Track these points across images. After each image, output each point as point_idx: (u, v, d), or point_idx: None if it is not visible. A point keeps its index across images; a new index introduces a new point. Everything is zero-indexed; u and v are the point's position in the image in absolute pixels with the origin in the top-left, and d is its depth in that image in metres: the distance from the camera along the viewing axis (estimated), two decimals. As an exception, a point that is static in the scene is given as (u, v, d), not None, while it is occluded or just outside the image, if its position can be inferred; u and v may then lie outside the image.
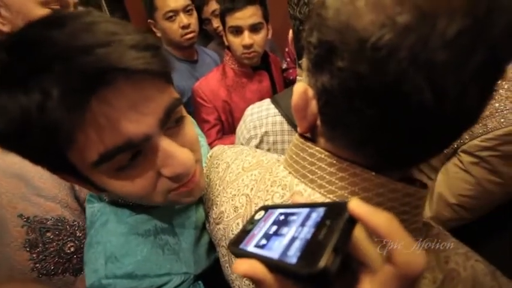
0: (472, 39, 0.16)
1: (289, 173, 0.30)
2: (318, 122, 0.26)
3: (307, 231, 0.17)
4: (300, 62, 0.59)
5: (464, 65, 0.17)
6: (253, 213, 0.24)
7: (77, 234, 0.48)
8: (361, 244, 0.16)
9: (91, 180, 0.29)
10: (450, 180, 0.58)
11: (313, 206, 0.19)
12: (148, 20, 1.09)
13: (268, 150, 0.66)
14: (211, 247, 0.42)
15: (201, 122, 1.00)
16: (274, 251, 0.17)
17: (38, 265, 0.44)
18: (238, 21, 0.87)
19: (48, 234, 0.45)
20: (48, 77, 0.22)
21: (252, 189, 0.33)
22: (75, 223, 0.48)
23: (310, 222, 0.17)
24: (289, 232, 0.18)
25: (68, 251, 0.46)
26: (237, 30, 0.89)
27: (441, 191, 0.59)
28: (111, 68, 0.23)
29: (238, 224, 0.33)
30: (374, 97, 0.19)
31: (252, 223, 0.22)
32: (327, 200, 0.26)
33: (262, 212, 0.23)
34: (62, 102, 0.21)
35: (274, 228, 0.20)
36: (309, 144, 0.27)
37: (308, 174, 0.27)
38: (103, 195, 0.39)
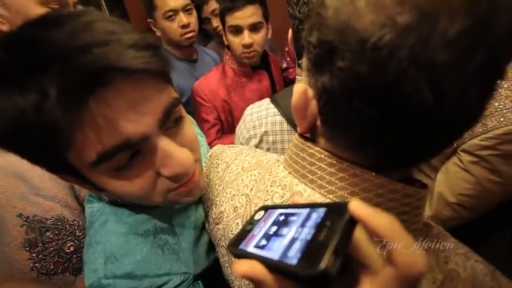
0: (473, 39, 0.16)
1: (289, 173, 0.30)
2: (318, 122, 0.26)
3: (307, 232, 0.17)
4: (299, 61, 0.59)
5: (465, 65, 0.17)
6: (253, 213, 0.23)
7: (77, 234, 0.48)
8: (362, 245, 0.16)
9: (90, 180, 0.29)
10: (450, 180, 0.58)
11: (313, 206, 0.19)
12: (148, 19, 1.09)
13: (268, 149, 0.66)
14: (211, 247, 0.42)
15: (200, 121, 0.99)
16: (274, 251, 0.17)
17: (37, 264, 0.44)
18: (238, 20, 0.86)
19: (48, 233, 0.45)
20: (46, 77, 0.21)
21: (251, 189, 0.33)
22: (74, 222, 0.48)
23: (311, 223, 0.17)
24: (289, 233, 0.18)
25: (68, 251, 0.46)
26: (237, 30, 0.89)
27: (441, 190, 0.59)
28: (110, 68, 0.23)
29: (237, 224, 0.33)
30: (374, 97, 0.19)
31: (251, 223, 0.22)
32: (327, 200, 0.26)
33: (262, 212, 0.23)
34: (59, 102, 0.21)
35: (274, 228, 0.20)
36: (308, 144, 0.27)
37: (308, 175, 0.27)
38: (102, 195, 0.39)
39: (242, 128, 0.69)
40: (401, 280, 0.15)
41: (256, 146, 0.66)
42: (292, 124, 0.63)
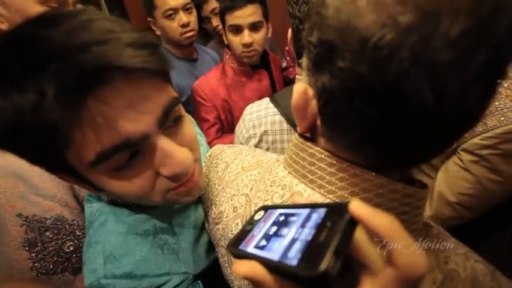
0: (475, 40, 0.16)
1: (289, 173, 0.30)
2: (318, 122, 0.26)
3: (307, 233, 0.17)
4: (300, 61, 0.59)
5: (466, 65, 0.17)
6: (252, 213, 0.23)
7: (76, 233, 0.48)
8: (362, 245, 0.16)
9: (89, 180, 0.29)
10: (450, 179, 0.58)
11: (313, 206, 0.19)
12: (148, 18, 1.09)
13: (268, 149, 0.66)
14: (211, 247, 0.42)
15: (200, 120, 0.99)
16: (274, 252, 0.17)
17: (37, 264, 0.44)
18: (238, 19, 0.86)
19: (47, 233, 0.45)
20: (44, 76, 0.21)
21: (251, 189, 0.33)
22: (74, 222, 0.48)
23: (311, 223, 0.17)
24: (289, 233, 0.18)
25: (67, 250, 0.46)
26: (237, 29, 0.88)
27: (441, 189, 0.59)
28: (108, 66, 0.22)
29: (237, 224, 0.33)
30: (374, 97, 0.19)
31: (251, 223, 0.22)
32: (327, 201, 0.26)
33: (261, 212, 0.23)
34: (57, 102, 0.21)
35: (274, 228, 0.20)
36: (308, 144, 0.27)
37: (308, 175, 0.27)
38: (102, 195, 0.38)
39: (242, 128, 0.69)
40: (401, 281, 0.15)
41: (256, 146, 0.66)
42: (291, 123, 0.63)
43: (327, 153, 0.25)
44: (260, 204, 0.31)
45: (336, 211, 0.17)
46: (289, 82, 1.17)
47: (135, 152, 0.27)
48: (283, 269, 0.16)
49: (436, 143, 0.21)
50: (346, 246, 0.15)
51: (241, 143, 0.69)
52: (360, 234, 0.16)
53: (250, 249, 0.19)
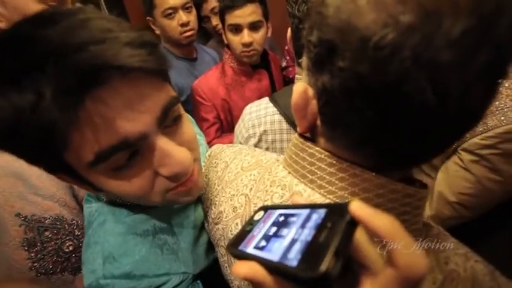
0: (477, 39, 0.16)
1: (289, 173, 0.29)
2: (318, 122, 0.26)
3: (307, 233, 0.17)
4: (299, 60, 0.58)
5: (468, 65, 0.17)
6: (252, 213, 0.23)
7: (76, 233, 0.47)
8: (362, 246, 0.16)
9: (88, 180, 0.29)
10: (450, 179, 0.58)
11: (313, 207, 0.19)
12: (147, 18, 1.08)
13: (267, 149, 0.66)
14: (210, 247, 0.42)
15: (199, 120, 0.99)
16: (274, 253, 0.17)
17: (36, 264, 0.44)
18: (237, 19, 0.86)
19: (47, 233, 0.45)
20: (41, 76, 0.21)
21: (251, 189, 0.33)
22: (73, 222, 0.47)
23: (311, 224, 0.17)
24: (289, 234, 0.18)
25: (67, 250, 0.46)
26: (237, 29, 0.88)
27: (441, 189, 0.59)
28: (106, 66, 0.22)
29: (237, 224, 0.33)
30: (375, 97, 0.19)
31: (251, 224, 0.22)
32: (327, 201, 0.26)
33: (261, 213, 0.23)
34: (55, 103, 0.21)
35: (274, 229, 0.19)
36: (308, 144, 0.27)
37: (308, 175, 0.27)
38: (101, 195, 0.38)
39: (241, 127, 0.69)
40: (402, 281, 0.15)
41: (255, 145, 0.66)
42: (291, 123, 0.63)
43: (326, 153, 0.25)
44: (260, 204, 0.31)
45: (336, 212, 0.17)
46: (289, 82, 1.17)
47: (134, 152, 0.27)
48: (283, 269, 0.16)
49: (436, 143, 0.21)
50: (347, 247, 0.15)
51: (240, 143, 0.69)
52: (360, 235, 0.16)
53: (250, 249, 0.19)
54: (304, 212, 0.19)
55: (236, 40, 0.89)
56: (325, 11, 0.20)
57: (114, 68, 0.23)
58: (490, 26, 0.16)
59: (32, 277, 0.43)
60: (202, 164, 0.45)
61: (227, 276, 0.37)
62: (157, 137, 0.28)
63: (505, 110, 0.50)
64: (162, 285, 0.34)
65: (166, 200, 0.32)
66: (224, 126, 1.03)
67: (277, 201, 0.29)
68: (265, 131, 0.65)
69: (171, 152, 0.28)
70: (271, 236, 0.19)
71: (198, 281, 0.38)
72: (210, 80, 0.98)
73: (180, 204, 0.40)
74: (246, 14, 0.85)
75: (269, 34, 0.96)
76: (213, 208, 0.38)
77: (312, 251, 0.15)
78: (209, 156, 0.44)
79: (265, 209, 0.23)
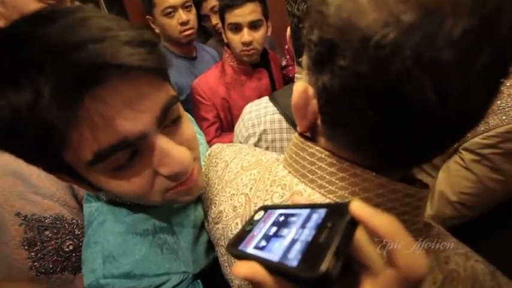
0: (479, 38, 0.16)
1: (289, 172, 0.29)
2: (318, 122, 0.26)
3: (307, 233, 0.17)
4: (299, 59, 0.58)
5: (470, 64, 0.16)
6: (252, 213, 0.23)
7: (76, 233, 0.48)
8: (362, 246, 0.16)
9: (87, 180, 0.29)
10: (451, 178, 0.58)
11: (313, 207, 0.19)
12: (147, 16, 1.08)
13: (267, 148, 0.66)
14: (210, 246, 0.42)
15: (199, 119, 0.99)
16: (274, 253, 0.17)
17: (36, 263, 0.44)
18: (237, 18, 0.86)
19: (47, 232, 0.45)
20: (40, 75, 0.21)
21: (251, 188, 0.33)
22: (73, 221, 0.47)
23: (311, 224, 0.17)
24: (289, 234, 0.18)
25: (67, 249, 0.46)
26: (236, 27, 0.88)
27: (442, 188, 0.59)
28: (105, 65, 0.22)
29: (237, 223, 0.33)
30: (375, 97, 0.18)
31: (251, 224, 0.22)
32: (327, 200, 0.26)
33: (261, 212, 0.23)
34: (54, 102, 0.21)
35: (274, 229, 0.19)
36: (309, 143, 0.27)
37: (308, 174, 0.27)
38: (100, 195, 0.38)
39: (241, 127, 0.69)
40: (402, 282, 0.15)
41: (255, 145, 0.66)
42: (291, 122, 0.63)
43: (327, 152, 0.25)
44: (260, 204, 0.31)
45: (336, 211, 0.17)
46: (289, 81, 1.16)
47: (134, 152, 0.27)
48: (283, 270, 0.16)
49: (437, 143, 0.21)
50: (347, 247, 0.15)
51: (240, 142, 0.69)
52: (360, 235, 0.16)
53: (250, 249, 0.19)
54: (305, 212, 0.19)
55: (236, 39, 0.89)
56: (325, 10, 0.20)
57: (113, 67, 0.22)
58: (491, 26, 0.16)
59: (32, 276, 0.44)
60: (202, 163, 0.45)
61: (227, 275, 0.37)
62: (157, 137, 0.28)
63: (507, 109, 0.50)
64: (162, 284, 0.34)
65: (166, 199, 0.32)
66: (224, 126, 1.03)
67: (277, 200, 0.29)
68: (265, 130, 0.65)
69: (171, 151, 0.28)
70: (271, 236, 0.19)
71: (198, 281, 0.38)
72: (210, 79, 0.98)
73: (180, 203, 0.40)
74: (245, 13, 0.85)
75: (269, 33, 0.96)
76: (213, 207, 0.38)
77: (312, 251, 0.15)
78: (209, 155, 0.44)
79: (265, 208, 0.23)
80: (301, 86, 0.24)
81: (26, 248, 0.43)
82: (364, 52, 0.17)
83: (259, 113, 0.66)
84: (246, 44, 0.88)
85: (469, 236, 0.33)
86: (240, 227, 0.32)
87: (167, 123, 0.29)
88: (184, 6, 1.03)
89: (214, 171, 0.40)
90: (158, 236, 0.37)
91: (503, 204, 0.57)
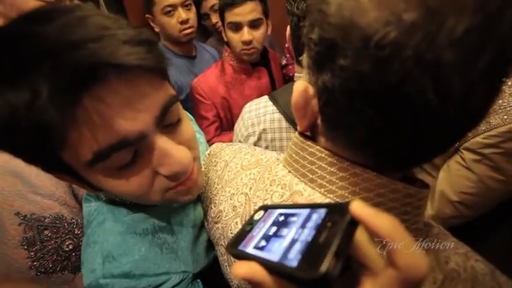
0: (481, 38, 0.16)
1: (289, 172, 0.29)
2: (318, 121, 0.26)
3: (307, 234, 0.16)
4: (300, 58, 0.58)
5: (472, 64, 0.16)
6: (252, 213, 0.23)
7: (75, 232, 0.47)
8: (363, 246, 0.16)
9: (87, 180, 0.28)
10: (452, 178, 0.58)
11: (313, 206, 0.19)
12: (146, 15, 1.08)
13: (267, 147, 0.66)
14: (210, 245, 0.42)
15: (199, 118, 0.99)
16: (274, 253, 0.17)
17: (36, 263, 0.44)
18: (237, 17, 0.85)
19: (46, 232, 0.45)
20: (38, 74, 0.21)
21: (251, 188, 0.33)
22: (73, 221, 0.47)
23: (311, 224, 0.17)
24: (289, 234, 0.18)
25: (67, 249, 0.46)
26: (236, 26, 0.87)
27: (443, 188, 0.59)
28: (104, 64, 0.22)
29: (236, 223, 0.33)
30: (375, 97, 0.18)
31: (251, 223, 0.22)
32: (327, 200, 0.25)
33: (261, 212, 0.22)
34: (51, 101, 0.21)
35: (274, 229, 0.19)
36: (309, 143, 0.27)
37: (308, 174, 0.27)
38: (100, 194, 0.38)
39: (241, 126, 0.68)
40: (402, 282, 0.15)
41: (255, 144, 0.66)
42: (290, 122, 0.63)
43: (327, 152, 0.25)
44: (260, 204, 0.31)
45: (336, 211, 0.17)
46: (289, 80, 1.16)
47: (135, 153, 0.27)
48: (283, 270, 0.16)
49: (437, 143, 0.21)
50: (347, 247, 0.15)
51: (240, 141, 0.69)
52: (360, 235, 0.16)
53: (250, 249, 0.19)
54: (304, 211, 0.19)
55: (236, 38, 0.89)
56: (326, 8, 0.20)
57: (112, 66, 0.22)
58: (493, 25, 0.16)
59: (32, 276, 0.43)
60: (202, 162, 0.45)
61: (227, 275, 0.36)
62: (157, 136, 0.27)
63: (508, 108, 0.50)
64: (162, 284, 0.34)
65: (166, 199, 0.32)
66: (224, 125, 1.03)
67: (277, 200, 0.29)
68: (264, 130, 0.65)
69: (171, 151, 0.28)
70: (271, 236, 0.19)
71: (198, 280, 0.38)
72: (210, 78, 0.97)
73: (180, 203, 0.40)
74: (245, 12, 0.85)
75: (269, 32, 0.96)
76: (212, 207, 0.38)
77: (312, 252, 0.15)
78: (209, 154, 0.44)
79: (265, 208, 0.23)
80: (302, 85, 0.24)
81: (26, 247, 0.43)
82: (364, 52, 0.17)
83: (259, 112, 0.66)
84: (246, 43, 0.88)
85: (469, 235, 0.33)
86: (239, 226, 0.32)
87: (167, 122, 0.29)
88: (184, 5, 1.02)
89: (214, 171, 0.40)
90: (158, 235, 0.37)
91: (503, 203, 0.57)
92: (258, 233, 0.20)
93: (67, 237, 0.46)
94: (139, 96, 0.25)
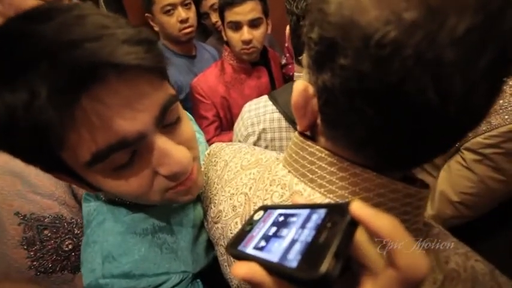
0: (483, 37, 0.16)
1: (289, 172, 0.29)
2: (318, 121, 0.25)
3: (307, 234, 0.16)
4: (300, 58, 0.58)
5: (473, 63, 0.16)
6: (252, 213, 0.23)
7: (75, 232, 0.47)
8: (363, 246, 0.16)
9: (86, 180, 0.28)
10: (452, 178, 0.57)
11: (313, 207, 0.19)
12: (146, 14, 1.07)
13: (266, 147, 0.66)
14: (210, 245, 0.42)
15: (199, 118, 0.99)
16: (273, 253, 0.17)
17: (35, 263, 0.44)
18: (237, 16, 0.85)
19: (46, 231, 0.45)
20: (35, 73, 0.21)
21: (250, 188, 0.33)
22: (73, 220, 0.47)
23: (311, 224, 0.17)
24: (289, 234, 0.18)
25: (66, 249, 0.46)
26: (236, 26, 0.87)
27: (443, 188, 0.59)
28: (102, 64, 0.22)
29: (236, 223, 0.33)
30: (375, 97, 0.18)
31: (250, 224, 0.22)
32: (327, 200, 0.25)
33: (261, 212, 0.22)
34: (50, 101, 0.21)
35: (274, 229, 0.19)
36: (308, 143, 0.27)
37: (308, 174, 0.27)
38: (99, 194, 0.38)
39: (240, 126, 0.68)
40: (402, 282, 0.15)
41: (255, 144, 0.66)
42: (290, 121, 0.62)
43: (327, 152, 0.25)
44: (259, 204, 0.30)
45: (336, 212, 0.17)
46: (289, 79, 1.16)
47: (133, 152, 0.27)
48: (283, 271, 0.16)
49: (438, 143, 0.21)
50: (347, 247, 0.15)
51: (239, 141, 0.69)
52: (360, 235, 0.16)
53: (249, 250, 0.19)
54: (304, 212, 0.19)
55: (236, 37, 0.88)
56: (326, 7, 0.20)
57: (110, 66, 0.22)
58: (495, 24, 0.16)
59: (31, 276, 0.43)
60: (202, 162, 0.45)
61: (227, 275, 0.36)
62: (156, 136, 0.27)
63: (509, 108, 0.50)
64: (162, 284, 0.34)
65: (166, 199, 0.32)
66: (223, 124, 1.03)
67: (277, 200, 0.29)
68: (264, 129, 0.64)
69: (170, 151, 0.28)
70: (270, 236, 0.19)
71: (198, 280, 0.38)
72: (209, 78, 0.97)
73: (180, 203, 0.39)
74: (245, 11, 0.85)
75: (269, 31, 0.95)
76: (212, 207, 0.38)
77: (312, 252, 0.15)
78: (208, 154, 0.44)
79: (265, 208, 0.23)
80: (301, 84, 0.24)
81: (25, 247, 0.43)
82: (365, 51, 0.17)
83: (259, 111, 0.66)
84: (246, 42, 0.88)
85: (469, 235, 0.33)
86: (239, 226, 0.32)
87: (166, 122, 0.29)
88: (184, 4, 1.02)
89: (214, 171, 0.40)
90: (157, 235, 0.37)
91: (503, 204, 0.57)
92: (257, 233, 0.20)
93: (67, 237, 0.46)
94: (138, 96, 0.25)
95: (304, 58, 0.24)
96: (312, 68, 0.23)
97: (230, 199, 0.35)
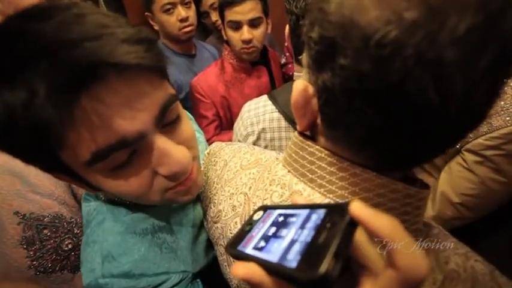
0: (483, 36, 0.16)
1: (288, 171, 0.29)
2: (318, 121, 0.25)
3: (307, 234, 0.16)
4: (299, 57, 0.58)
5: (473, 63, 0.16)
6: (251, 213, 0.23)
7: (75, 231, 0.47)
8: (362, 247, 0.16)
9: (85, 180, 0.28)
10: (453, 179, 0.57)
11: (312, 207, 0.18)
12: (146, 13, 1.07)
13: (266, 147, 0.65)
14: (209, 245, 0.42)
15: (199, 117, 0.99)
16: (273, 253, 0.17)
17: (35, 262, 0.44)
18: (237, 15, 0.85)
19: (45, 231, 0.45)
20: (35, 73, 0.21)
21: (250, 187, 0.33)
22: (72, 220, 0.47)
23: (310, 225, 0.17)
24: (288, 234, 0.18)
25: (66, 248, 0.46)
26: (236, 25, 0.87)
27: (444, 190, 0.59)
28: (102, 63, 0.22)
29: (236, 223, 0.33)
30: (376, 97, 0.18)
31: (250, 224, 0.22)
32: (327, 200, 0.25)
33: (260, 212, 0.22)
34: (49, 101, 0.20)
35: (273, 229, 0.19)
36: (308, 143, 0.27)
37: (307, 174, 0.27)
38: (99, 194, 0.38)
39: (240, 125, 0.68)
40: (402, 283, 0.15)
41: (254, 143, 0.66)
42: (290, 121, 0.62)
43: (327, 152, 0.25)
44: (259, 203, 0.30)
45: (336, 212, 0.17)
46: (289, 79, 1.16)
47: (132, 151, 0.27)
48: (282, 271, 0.16)
49: (438, 143, 0.21)
50: (347, 248, 0.15)
51: (239, 141, 0.69)
52: (359, 235, 0.16)
53: (249, 250, 0.19)
54: (304, 212, 0.19)
55: (236, 37, 0.88)
56: (326, 7, 0.19)
57: (110, 65, 0.22)
58: (496, 23, 0.16)
59: (31, 275, 0.43)
60: (201, 161, 0.45)
61: (226, 274, 0.36)
62: (156, 136, 0.27)
63: (510, 110, 0.49)
64: (162, 284, 0.34)
65: (166, 199, 0.32)
66: (223, 124, 1.02)
67: (276, 200, 0.29)
68: (263, 129, 0.64)
69: (170, 151, 0.28)
70: (270, 237, 0.19)
71: (198, 280, 0.38)
72: (209, 77, 0.97)
73: (179, 203, 0.39)
74: (245, 11, 0.84)
75: (269, 30, 0.95)
76: (212, 207, 0.38)
77: (312, 252, 0.15)
78: (208, 154, 0.44)
79: (265, 208, 0.23)
80: (301, 84, 0.24)
81: (25, 246, 0.43)
82: (365, 51, 0.17)
83: (258, 111, 0.66)
84: (246, 41, 0.88)
85: (469, 236, 0.33)
86: (239, 226, 0.32)
87: (166, 121, 0.29)
88: (184, 3, 1.02)
89: (214, 170, 0.40)
90: (157, 235, 0.37)
91: (504, 205, 0.57)
92: (257, 233, 0.20)
93: (66, 236, 0.46)
94: (138, 96, 0.25)
95: (304, 58, 0.24)
96: (311, 67, 0.23)
97: (230, 199, 0.34)
